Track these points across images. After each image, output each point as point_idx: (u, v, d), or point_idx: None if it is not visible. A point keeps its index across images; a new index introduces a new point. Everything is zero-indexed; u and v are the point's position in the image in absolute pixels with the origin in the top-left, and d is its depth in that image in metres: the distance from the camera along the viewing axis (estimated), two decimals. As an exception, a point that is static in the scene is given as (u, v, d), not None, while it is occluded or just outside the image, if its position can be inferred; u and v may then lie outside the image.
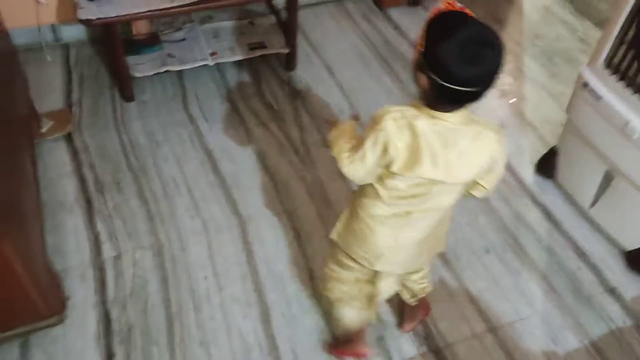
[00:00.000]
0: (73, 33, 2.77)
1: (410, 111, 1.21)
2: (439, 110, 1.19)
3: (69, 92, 2.55)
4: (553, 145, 2.32)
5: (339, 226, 1.50)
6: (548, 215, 2.24)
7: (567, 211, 2.25)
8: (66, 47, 2.77)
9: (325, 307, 1.87)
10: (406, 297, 1.75)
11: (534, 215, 2.23)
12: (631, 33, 1.83)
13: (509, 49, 2.99)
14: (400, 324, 1.86)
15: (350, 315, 1.65)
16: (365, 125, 1.29)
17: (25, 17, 2.63)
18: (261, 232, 2.09)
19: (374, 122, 1.23)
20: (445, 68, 1.10)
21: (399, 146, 1.20)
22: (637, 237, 2.05)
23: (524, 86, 2.79)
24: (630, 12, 1.81)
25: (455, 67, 1.09)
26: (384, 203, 1.33)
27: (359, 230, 1.41)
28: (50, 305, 1.77)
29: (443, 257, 2.06)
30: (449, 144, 1.20)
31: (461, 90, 1.11)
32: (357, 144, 1.30)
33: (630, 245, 2.09)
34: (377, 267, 1.45)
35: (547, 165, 2.34)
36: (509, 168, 2.39)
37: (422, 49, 1.14)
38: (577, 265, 2.09)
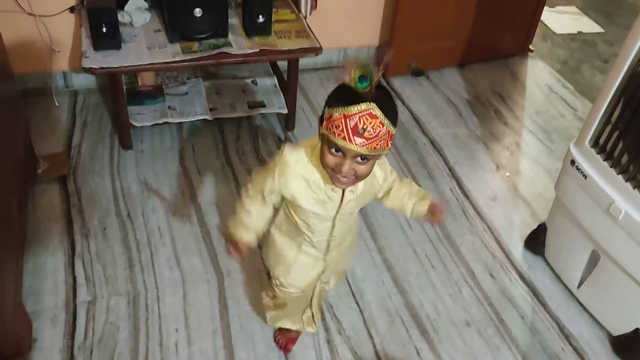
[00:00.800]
0: (82, 81, 2.87)
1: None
2: None
3: (70, 137, 2.62)
4: (542, 221, 2.30)
5: None
6: (534, 292, 2.19)
7: (554, 290, 2.20)
8: (75, 94, 2.87)
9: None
10: None
11: (519, 292, 2.18)
12: (616, 113, 1.84)
13: (509, 124, 3.02)
14: None
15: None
16: None
17: (39, 63, 2.75)
18: (238, 289, 2.07)
19: None
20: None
21: None
22: (623, 322, 1.99)
23: (521, 161, 2.80)
24: (615, 92, 1.82)
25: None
26: None
27: None
28: (16, 346, 1.75)
29: (421, 327, 2.01)
30: None
31: None
32: None
33: (617, 330, 2.02)
34: None
35: (536, 241, 2.31)
36: (498, 242, 2.36)
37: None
38: (560, 347, 2.01)
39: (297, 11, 2.72)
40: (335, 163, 1.23)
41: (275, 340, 1.91)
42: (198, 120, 2.65)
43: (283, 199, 1.44)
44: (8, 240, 1.88)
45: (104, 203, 2.33)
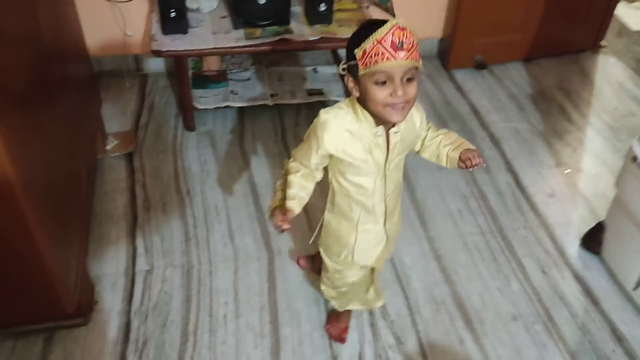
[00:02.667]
0: (153, 65, 3.02)
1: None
2: None
3: (138, 117, 2.76)
4: (602, 219, 2.23)
5: None
6: (588, 291, 2.12)
7: (609, 290, 2.13)
8: (145, 77, 3.02)
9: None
10: None
11: (572, 290, 2.13)
12: (683, 109, 1.77)
13: (574, 120, 2.93)
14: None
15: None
16: None
17: (113, 47, 2.91)
18: (287, 268, 2.13)
19: None
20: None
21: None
22: (681, 327, 1.91)
23: (583, 159, 2.71)
24: (683, 87, 1.75)
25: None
26: None
27: None
28: (78, 305, 1.88)
29: (466, 317, 2.00)
30: None
31: None
32: None
33: (674, 335, 1.94)
34: None
35: (593, 239, 2.24)
36: (553, 238, 2.31)
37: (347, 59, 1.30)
38: (611, 349, 1.95)
39: (359, 1, 2.75)
40: (385, 94, 1.27)
41: (327, 333, 1.93)
42: (259, 105, 2.72)
43: (329, 168, 1.50)
44: (76, 207, 2.01)
45: (166, 180, 2.45)
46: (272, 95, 2.72)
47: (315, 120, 1.42)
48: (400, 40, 1.21)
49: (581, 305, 2.08)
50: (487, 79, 3.19)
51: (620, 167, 2.45)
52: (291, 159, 1.52)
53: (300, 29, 2.50)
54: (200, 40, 2.39)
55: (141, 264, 2.11)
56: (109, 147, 2.51)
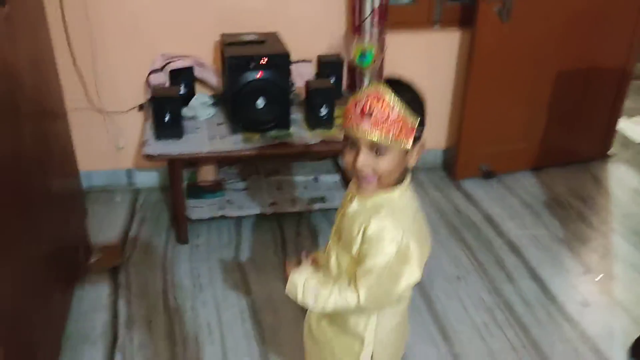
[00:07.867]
0: (145, 179, 2.88)
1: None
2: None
3: (127, 231, 2.56)
4: (649, 328, 1.95)
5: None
6: (648, 414, 1.79)
7: (673, 412, 1.80)
8: (136, 192, 2.86)
9: None
10: None
11: (629, 412, 1.80)
12: None
13: (595, 226, 2.73)
14: None
15: None
16: None
17: (104, 161, 2.79)
18: (291, 393, 1.81)
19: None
20: None
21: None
22: None
23: (613, 265, 2.47)
24: None
25: None
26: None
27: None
28: None
29: None
30: None
31: None
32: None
33: None
34: None
35: (642, 351, 1.95)
36: (596, 351, 2.01)
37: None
38: None
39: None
40: (350, 158, 1.13)
41: None
42: (257, 214, 2.54)
43: None
44: (44, 331, 1.74)
45: (153, 296, 2.19)
46: (271, 204, 2.55)
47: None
48: (372, 109, 1.06)
49: None
50: (496, 187, 3.04)
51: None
52: None
53: (301, 133, 2.39)
54: (195, 145, 2.26)
55: (119, 392, 1.80)
56: (92, 261, 2.28)
